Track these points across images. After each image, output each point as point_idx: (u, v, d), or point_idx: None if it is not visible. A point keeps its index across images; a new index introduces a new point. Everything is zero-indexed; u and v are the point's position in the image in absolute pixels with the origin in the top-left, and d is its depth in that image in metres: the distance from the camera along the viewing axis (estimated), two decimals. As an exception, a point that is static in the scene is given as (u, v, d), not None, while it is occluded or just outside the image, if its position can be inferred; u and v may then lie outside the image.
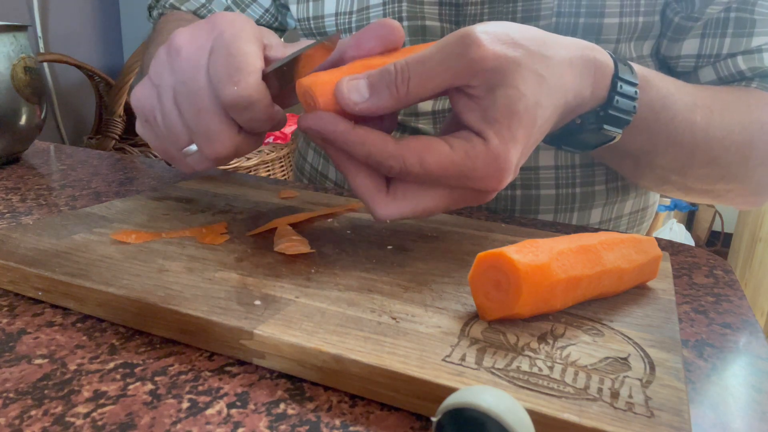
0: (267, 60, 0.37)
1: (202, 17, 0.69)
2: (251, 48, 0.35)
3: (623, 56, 0.53)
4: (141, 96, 0.38)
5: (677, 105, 0.47)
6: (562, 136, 0.44)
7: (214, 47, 0.35)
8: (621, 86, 0.40)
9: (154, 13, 0.74)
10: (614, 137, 0.42)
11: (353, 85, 0.32)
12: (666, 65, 0.57)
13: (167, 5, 0.71)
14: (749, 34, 0.52)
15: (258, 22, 0.69)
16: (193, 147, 0.38)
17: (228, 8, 0.68)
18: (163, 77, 0.37)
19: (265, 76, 0.35)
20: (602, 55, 0.39)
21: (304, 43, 0.37)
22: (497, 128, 0.32)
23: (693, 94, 0.49)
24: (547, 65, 0.34)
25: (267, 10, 0.69)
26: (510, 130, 0.32)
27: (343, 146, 0.33)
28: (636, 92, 0.41)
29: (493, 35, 0.32)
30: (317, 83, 0.33)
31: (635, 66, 0.43)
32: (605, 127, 0.41)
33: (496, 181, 0.33)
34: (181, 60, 0.36)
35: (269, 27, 0.71)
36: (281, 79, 0.35)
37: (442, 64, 0.31)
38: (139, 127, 0.41)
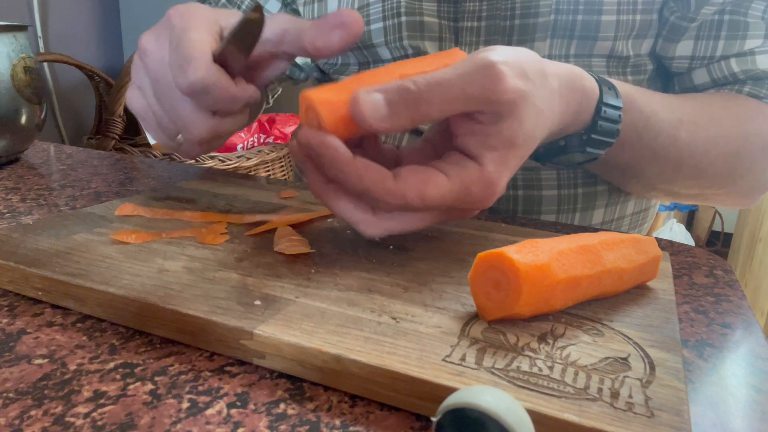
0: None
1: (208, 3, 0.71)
2: (198, 35, 0.36)
3: (620, 54, 0.53)
4: (131, 99, 0.41)
5: (662, 123, 0.48)
6: (547, 155, 0.46)
7: (169, 42, 0.37)
8: (605, 111, 0.41)
9: None
10: (597, 157, 0.44)
11: (371, 100, 0.31)
12: (662, 65, 0.58)
13: None
14: (743, 37, 0.52)
15: None
16: (180, 137, 0.40)
17: None
18: (141, 78, 0.40)
19: (217, 58, 0.36)
20: (589, 82, 0.41)
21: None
22: (495, 156, 0.33)
23: (679, 109, 0.50)
24: (545, 98, 0.35)
25: None
26: (505, 159, 0.33)
27: (339, 176, 0.32)
28: (620, 116, 0.42)
29: (512, 67, 0.32)
30: (322, 101, 0.32)
31: (620, 86, 0.44)
32: (588, 149, 0.43)
33: (486, 202, 0.34)
34: (149, 60, 0.38)
35: None
36: (235, 55, 0.36)
37: (463, 91, 0.31)
38: (143, 124, 0.43)
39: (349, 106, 0.31)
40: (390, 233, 0.35)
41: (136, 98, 0.41)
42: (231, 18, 0.39)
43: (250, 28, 0.35)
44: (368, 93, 0.31)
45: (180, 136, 0.40)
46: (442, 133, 0.38)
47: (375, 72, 0.35)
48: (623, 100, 0.43)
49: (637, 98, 0.46)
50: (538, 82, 0.34)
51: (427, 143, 0.39)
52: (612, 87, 0.43)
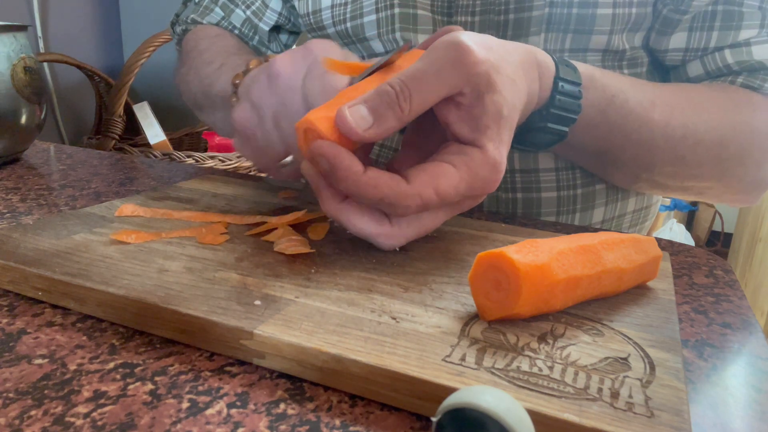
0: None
1: (225, 29, 0.72)
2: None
3: (616, 48, 0.53)
4: (242, 117, 0.41)
5: (630, 103, 0.48)
6: (515, 136, 0.46)
7: (308, 71, 0.38)
8: (562, 86, 0.42)
9: (178, 29, 0.77)
10: (563, 135, 0.44)
11: (356, 111, 0.32)
12: (656, 58, 0.57)
13: (189, 20, 0.73)
14: (737, 27, 0.51)
15: (273, 28, 0.71)
16: (289, 159, 0.41)
17: (246, 20, 0.71)
18: (264, 99, 0.40)
19: None
20: (543, 57, 0.42)
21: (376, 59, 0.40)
22: (489, 134, 0.34)
23: (651, 92, 0.50)
24: (513, 69, 0.36)
25: (280, 14, 0.70)
26: (499, 134, 0.34)
27: (352, 189, 0.32)
28: (579, 91, 0.43)
29: (476, 42, 0.33)
30: (320, 119, 0.32)
31: (581, 66, 0.45)
32: (550, 125, 0.43)
33: (494, 183, 0.35)
34: (280, 83, 0.39)
35: (284, 29, 0.73)
36: None
37: (439, 74, 0.32)
38: (237, 144, 0.43)
39: (336, 122, 0.32)
40: (408, 241, 0.35)
41: (247, 116, 0.41)
42: (352, 58, 0.41)
43: (393, 62, 0.36)
44: (351, 106, 0.32)
45: (287, 159, 0.41)
46: (419, 132, 0.39)
47: (357, 86, 0.35)
48: (583, 77, 0.44)
49: (598, 77, 0.47)
50: (502, 53, 0.35)
51: (408, 148, 0.39)
52: (569, 65, 0.44)
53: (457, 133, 0.34)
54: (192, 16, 0.73)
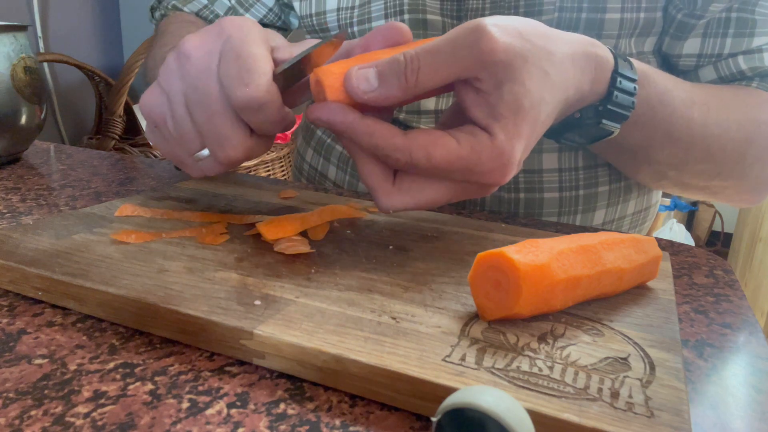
0: (274, 62, 0.37)
1: (204, 18, 0.70)
2: (260, 50, 0.35)
3: (623, 52, 0.53)
4: (150, 102, 0.38)
5: (675, 101, 0.48)
6: (561, 130, 0.45)
7: (223, 51, 0.35)
8: (620, 82, 0.41)
9: (156, 14, 0.74)
10: (612, 132, 0.43)
11: (362, 74, 0.32)
12: (667, 62, 0.58)
13: (169, 6, 0.71)
14: (750, 35, 0.52)
15: (261, 22, 0.69)
16: (205, 152, 0.38)
17: (231, 8, 0.69)
18: (173, 83, 0.37)
19: (275, 78, 0.35)
20: (603, 51, 0.40)
21: (310, 42, 0.38)
22: (503, 124, 0.33)
23: (691, 90, 0.50)
24: (551, 61, 0.34)
25: (270, 9, 0.69)
26: (515, 126, 0.33)
27: (351, 137, 0.33)
28: (635, 88, 0.42)
29: (503, 28, 0.32)
30: (327, 73, 0.33)
31: (635, 62, 0.44)
32: (604, 121, 0.42)
33: (500, 175, 0.34)
34: (191, 65, 0.36)
35: (273, 26, 0.72)
36: (289, 79, 0.36)
37: (452, 54, 0.32)
38: (149, 133, 0.41)
39: (343, 80, 0.33)
40: (405, 208, 0.34)
41: (156, 103, 0.38)
42: (277, 38, 0.39)
43: (324, 52, 0.35)
44: (361, 68, 0.32)
45: (202, 152, 0.38)
46: (455, 114, 0.38)
47: (376, 52, 0.35)
48: (638, 74, 0.43)
49: (650, 73, 0.46)
50: (540, 43, 0.34)
51: (441, 126, 0.38)
52: (626, 59, 0.42)
53: (473, 117, 0.33)
54: (173, 2, 0.71)
